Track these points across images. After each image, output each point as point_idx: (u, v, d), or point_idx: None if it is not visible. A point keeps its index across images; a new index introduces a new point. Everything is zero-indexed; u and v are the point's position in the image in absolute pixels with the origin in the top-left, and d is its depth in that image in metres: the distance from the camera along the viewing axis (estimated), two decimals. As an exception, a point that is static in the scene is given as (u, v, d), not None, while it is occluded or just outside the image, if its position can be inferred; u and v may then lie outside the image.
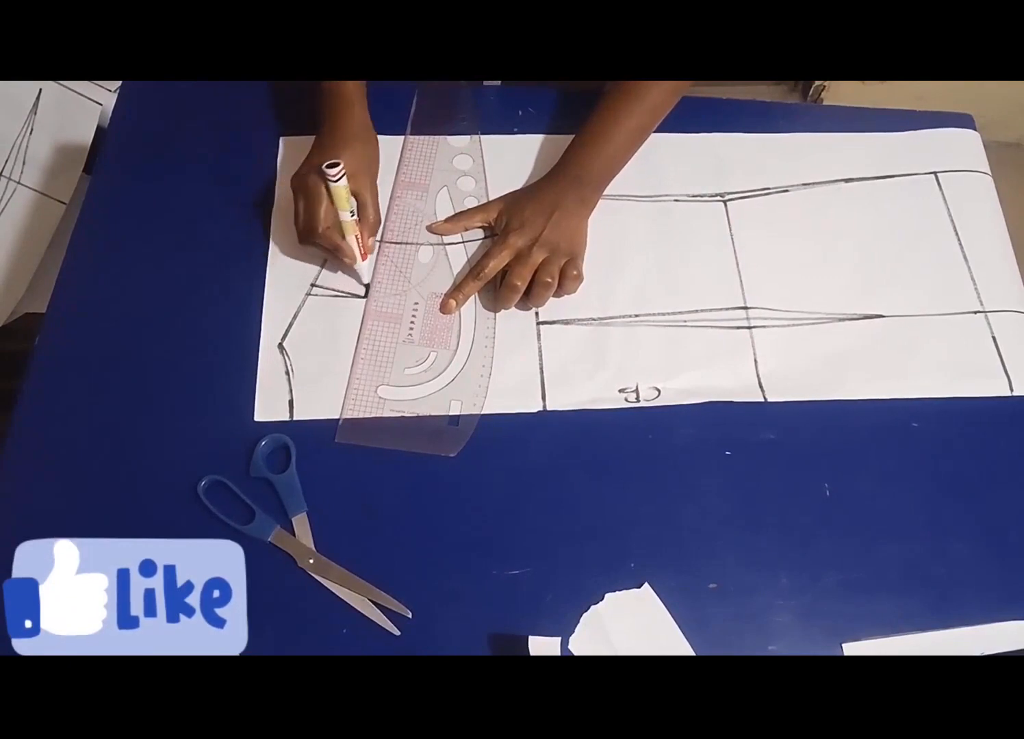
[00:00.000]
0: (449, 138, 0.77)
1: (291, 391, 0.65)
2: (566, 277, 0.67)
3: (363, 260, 0.68)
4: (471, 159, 0.76)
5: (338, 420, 0.63)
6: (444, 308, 0.69)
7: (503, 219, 0.70)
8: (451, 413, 0.64)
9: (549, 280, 0.67)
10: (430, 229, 0.72)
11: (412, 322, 0.68)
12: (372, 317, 0.68)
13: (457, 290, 0.69)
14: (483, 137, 0.77)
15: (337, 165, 0.63)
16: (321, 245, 0.66)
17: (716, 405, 0.66)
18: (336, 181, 0.63)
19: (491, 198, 0.74)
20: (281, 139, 0.76)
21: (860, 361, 0.69)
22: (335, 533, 0.60)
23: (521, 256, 0.67)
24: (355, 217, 0.66)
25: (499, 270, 0.68)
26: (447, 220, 0.72)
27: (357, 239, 0.67)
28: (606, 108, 0.72)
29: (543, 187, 0.71)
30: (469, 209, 0.73)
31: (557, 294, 0.68)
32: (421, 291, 0.70)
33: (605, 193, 0.73)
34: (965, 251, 0.75)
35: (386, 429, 0.63)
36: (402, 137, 0.77)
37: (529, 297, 0.68)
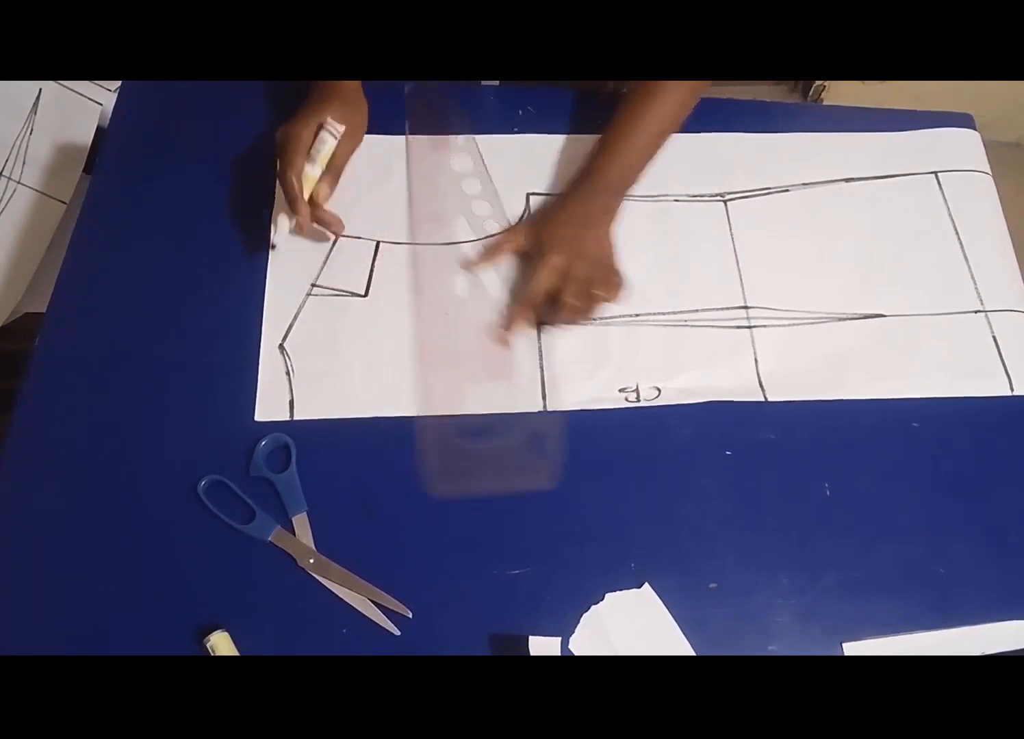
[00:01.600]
0: (451, 162, 0.76)
1: (291, 391, 0.65)
2: (612, 287, 0.66)
3: (291, 225, 0.68)
4: (478, 182, 0.75)
5: (415, 419, 0.63)
6: (501, 343, 0.67)
7: (536, 241, 0.69)
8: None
9: (601, 294, 0.65)
10: (465, 267, 0.71)
11: (467, 356, 0.67)
12: (428, 367, 0.67)
13: (508, 320, 0.67)
14: (483, 137, 0.77)
15: (341, 128, 0.67)
16: (286, 185, 0.66)
17: (716, 405, 0.66)
18: (335, 138, 0.67)
19: (507, 215, 0.73)
20: None
21: (860, 361, 0.69)
22: (335, 533, 0.60)
23: (567, 275, 0.65)
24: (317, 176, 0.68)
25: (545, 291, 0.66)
26: (480, 258, 0.70)
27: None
28: (625, 113, 0.71)
29: (568, 202, 0.70)
30: (496, 239, 0.71)
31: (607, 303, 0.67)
32: (465, 323, 0.68)
33: (605, 193, 0.73)
34: (965, 251, 0.75)
35: (478, 474, 0.62)
36: (403, 137, 0.77)
37: (584, 314, 0.66)
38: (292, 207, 0.67)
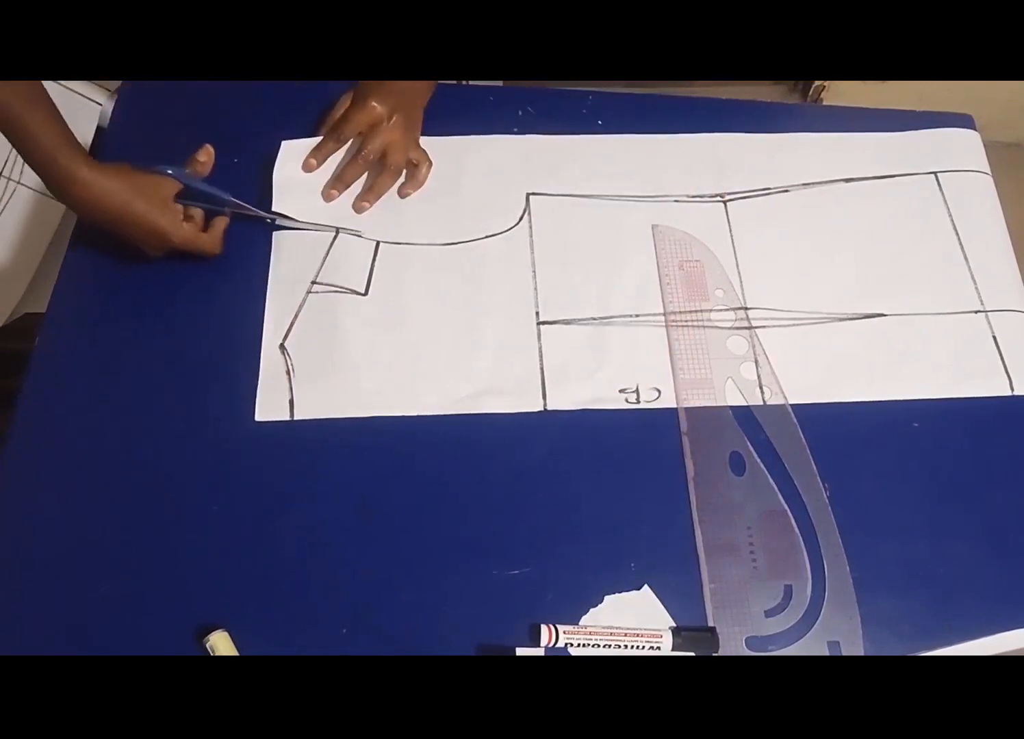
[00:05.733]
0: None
1: (291, 390, 0.65)
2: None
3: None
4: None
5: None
6: (358, 209, 0.72)
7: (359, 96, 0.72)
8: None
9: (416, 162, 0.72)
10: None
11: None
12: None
13: (338, 180, 0.72)
14: (483, 137, 0.77)
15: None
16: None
17: (716, 405, 0.66)
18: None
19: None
20: (283, 143, 0.75)
21: (861, 362, 0.69)
22: (334, 533, 0.60)
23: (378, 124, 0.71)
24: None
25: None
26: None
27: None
28: None
29: None
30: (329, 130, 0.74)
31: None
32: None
33: (605, 193, 0.73)
34: (965, 251, 0.75)
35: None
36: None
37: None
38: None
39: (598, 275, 0.71)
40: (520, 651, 0.54)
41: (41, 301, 0.79)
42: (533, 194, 0.75)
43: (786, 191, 0.77)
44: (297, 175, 0.73)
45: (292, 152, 0.73)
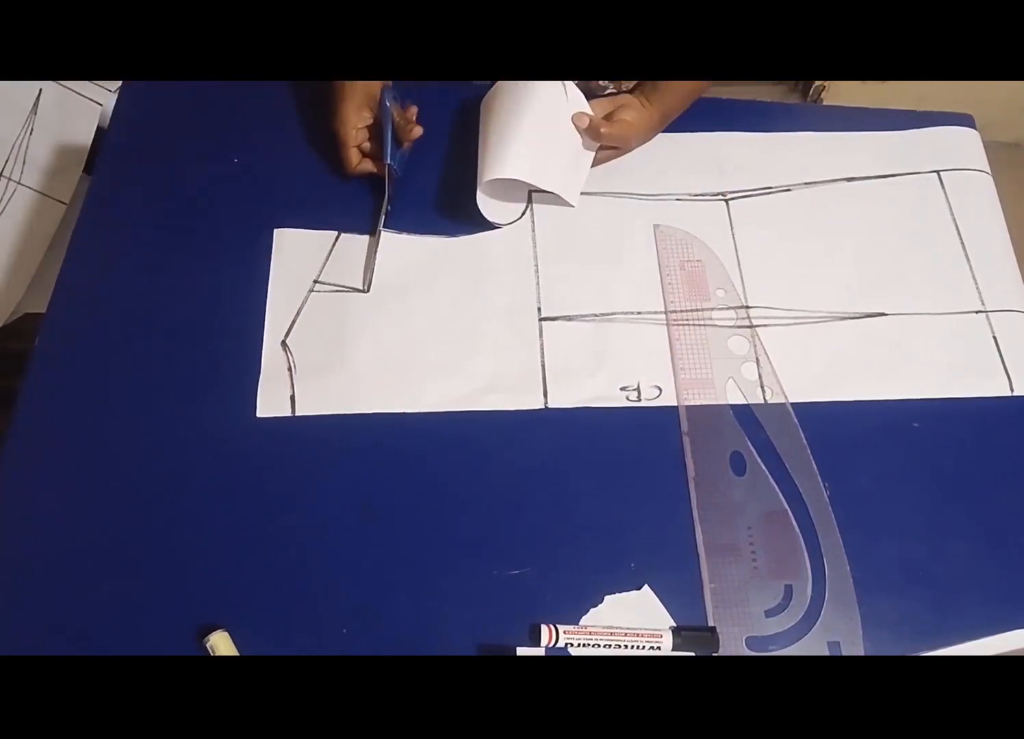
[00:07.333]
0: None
1: (292, 386, 0.65)
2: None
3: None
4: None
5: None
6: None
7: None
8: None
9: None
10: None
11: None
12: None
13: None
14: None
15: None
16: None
17: (716, 405, 0.66)
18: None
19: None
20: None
21: (861, 361, 0.69)
22: (335, 532, 0.60)
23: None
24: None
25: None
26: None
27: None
28: None
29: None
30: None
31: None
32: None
33: (606, 191, 0.74)
34: (967, 250, 0.75)
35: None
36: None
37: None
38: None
39: (600, 272, 0.71)
40: (520, 651, 0.54)
41: (41, 301, 0.79)
42: (535, 191, 0.75)
43: (788, 190, 0.77)
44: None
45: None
